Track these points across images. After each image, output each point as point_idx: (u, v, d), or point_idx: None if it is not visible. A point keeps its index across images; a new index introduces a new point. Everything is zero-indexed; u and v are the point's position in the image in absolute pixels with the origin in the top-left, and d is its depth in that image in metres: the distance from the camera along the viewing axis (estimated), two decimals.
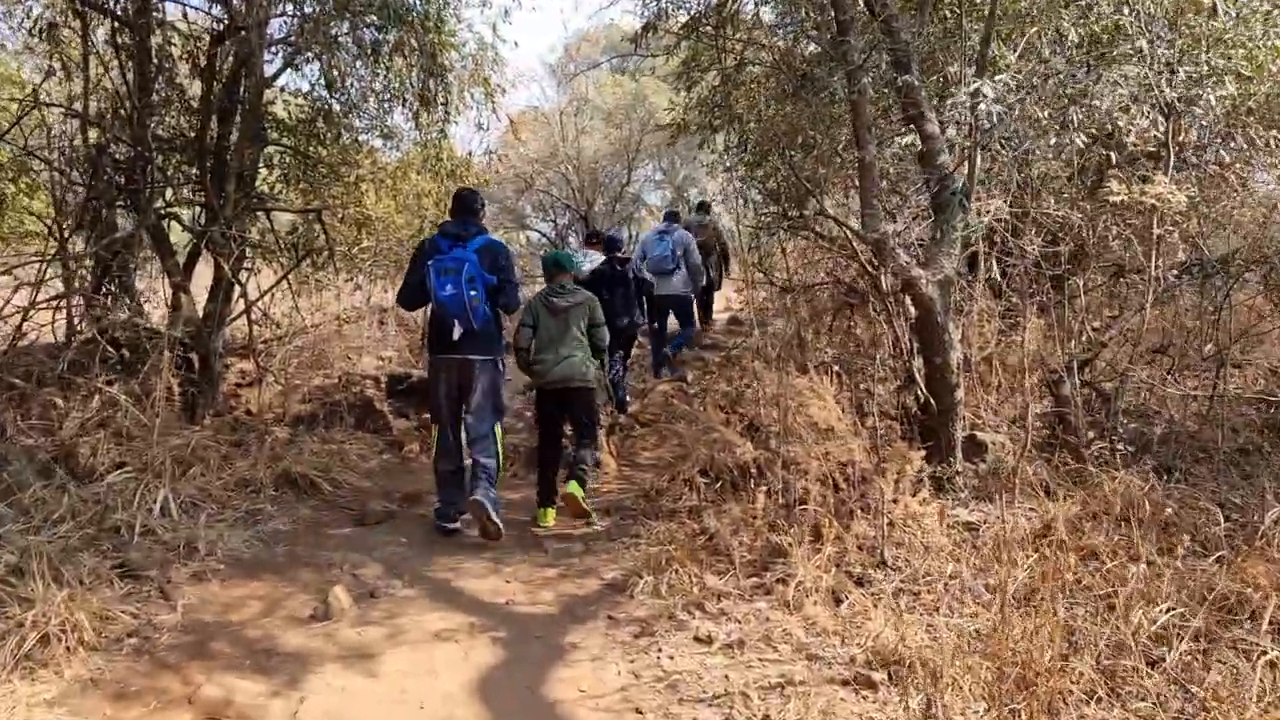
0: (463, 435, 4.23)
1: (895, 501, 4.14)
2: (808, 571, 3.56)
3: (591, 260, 6.76)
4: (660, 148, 15.35)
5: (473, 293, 3.93)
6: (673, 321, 8.17)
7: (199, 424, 5.01)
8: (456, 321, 3.97)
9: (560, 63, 11.76)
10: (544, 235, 12.18)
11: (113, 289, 5.36)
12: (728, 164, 7.04)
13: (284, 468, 4.64)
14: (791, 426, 4.48)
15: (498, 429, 4.28)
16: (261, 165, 6.68)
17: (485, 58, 7.27)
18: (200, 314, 5.68)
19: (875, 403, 4.85)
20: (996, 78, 3.34)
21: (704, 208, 9.64)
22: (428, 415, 5.90)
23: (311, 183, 7.01)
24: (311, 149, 6.79)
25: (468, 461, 4.24)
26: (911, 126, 4.54)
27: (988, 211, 3.74)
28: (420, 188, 7.64)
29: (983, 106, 3.81)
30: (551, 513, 4.54)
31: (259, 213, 6.48)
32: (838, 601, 3.49)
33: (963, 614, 3.28)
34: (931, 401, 4.55)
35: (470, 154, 7.61)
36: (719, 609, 3.36)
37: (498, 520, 3.99)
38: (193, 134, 5.42)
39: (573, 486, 4.47)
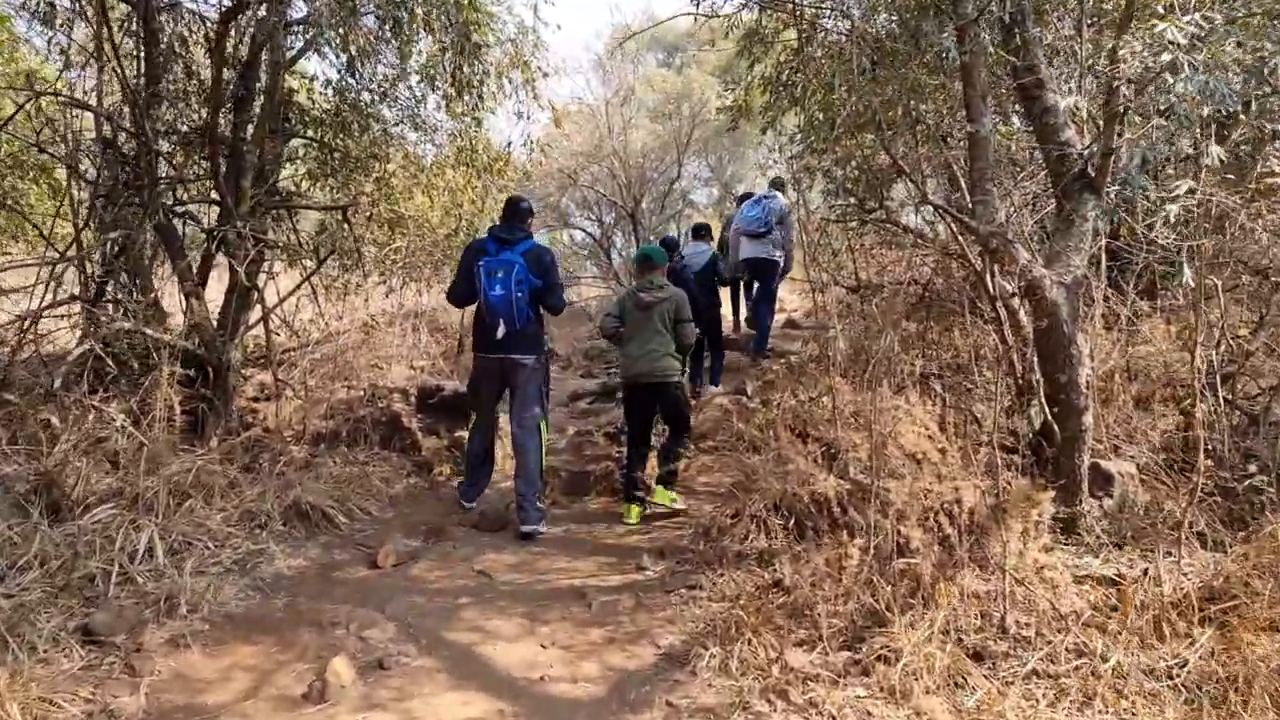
0: (498, 419, 4.62)
1: (1020, 554, 3.41)
2: (913, 645, 2.86)
3: (700, 253, 6.84)
4: (707, 143, 14.69)
5: (520, 294, 4.16)
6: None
7: (206, 445, 4.52)
8: (502, 321, 4.20)
9: (608, 48, 11.10)
10: (589, 234, 11.62)
11: (118, 295, 4.90)
12: (794, 150, 6.35)
13: (295, 498, 4.10)
14: (883, 455, 3.76)
15: (543, 429, 4.44)
16: (285, 160, 6.24)
17: (525, 41, 6.71)
18: (215, 322, 5.23)
19: (985, 427, 4.12)
20: (1182, 20, 2.58)
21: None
22: (460, 433, 5.38)
23: (340, 179, 6.55)
24: (338, 141, 6.32)
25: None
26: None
27: (1167, 195, 2.96)
28: (455, 183, 7.11)
29: (1133, 65, 3.06)
30: (637, 509, 4.51)
31: (280, 211, 6.03)
32: (956, 685, 2.79)
33: (1129, 711, 2.55)
34: (1054, 426, 3.79)
35: (509, 145, 7.04)
36: (806, 698, 2.69)
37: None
38: (202, 124, 4.93)
39: (659, 494, 4.57)
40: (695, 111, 11.12)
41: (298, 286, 5.50)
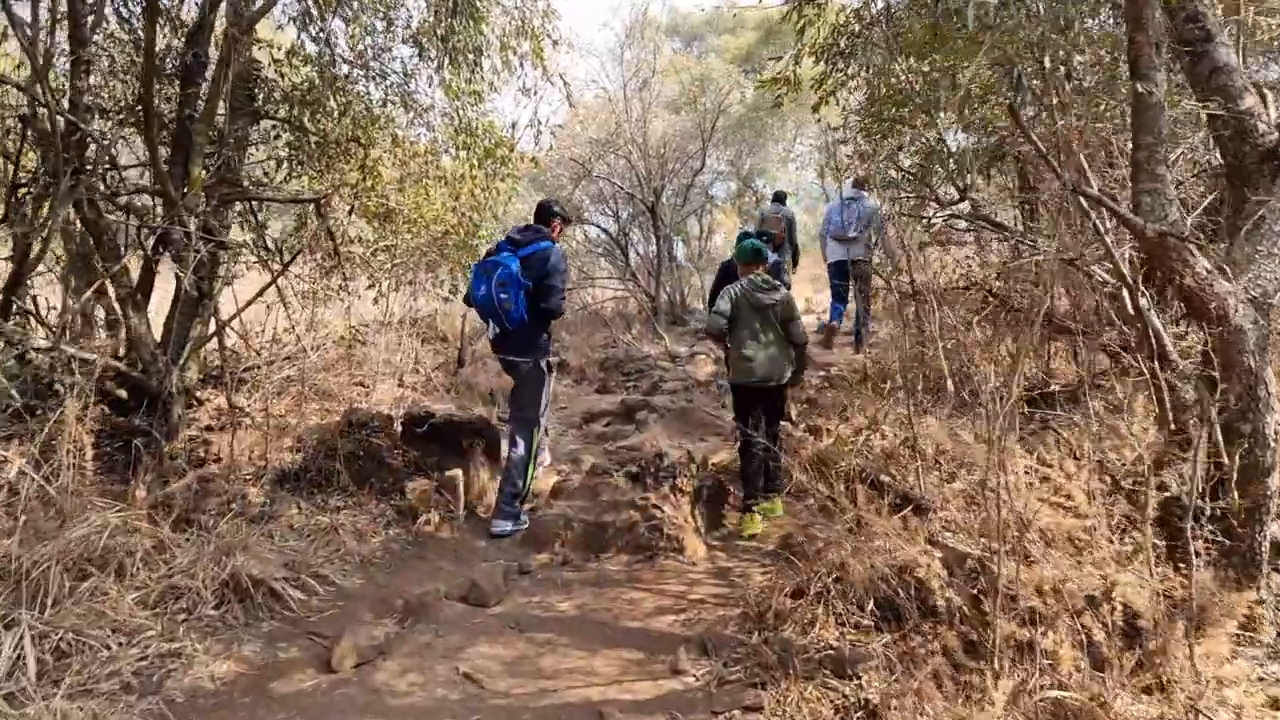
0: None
1: (1197, 672, 2.52)
2: None
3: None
4: (727, 135, 13.76)
5: (503, 295, 4.20)
6: None
7: (133, 494, 3.67)
8: (490, 322, 4.37)
9: (628, 26, 10.14)
10: (604, 231, 10.75)
11: (34, 305, 4.07)
12: (847, 134, 5.44)
13: (234, 569, 3.25)
14: (1004, 526, 2.85)
15: (535, 434, 4.45)
16: (252, 144, 5.39)
17: (534, 8, 5.84)
18: (159, 336, 4.39)
19: (1121, 482, 3.20)
20: None
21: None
22: (453, 470, 4.55)
23: (319, 167, 5.70)
24: (315, 123, 5.47)
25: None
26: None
27: None
28: (453, 172, 6.24)
29: None
30: (757, 520, 4.37)
31: (248, 205, 5.18)
32: None
33: None
34: (1231, 488, 2.87)
35: (513, 128, 6.16)
36: None
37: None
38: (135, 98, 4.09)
39: (777, 505, 4.50)
40: (718, 101, 10.19)
41: (258, 294, 4.64)
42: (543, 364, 4.48)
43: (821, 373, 7.82)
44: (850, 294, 8.13)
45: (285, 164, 5.58)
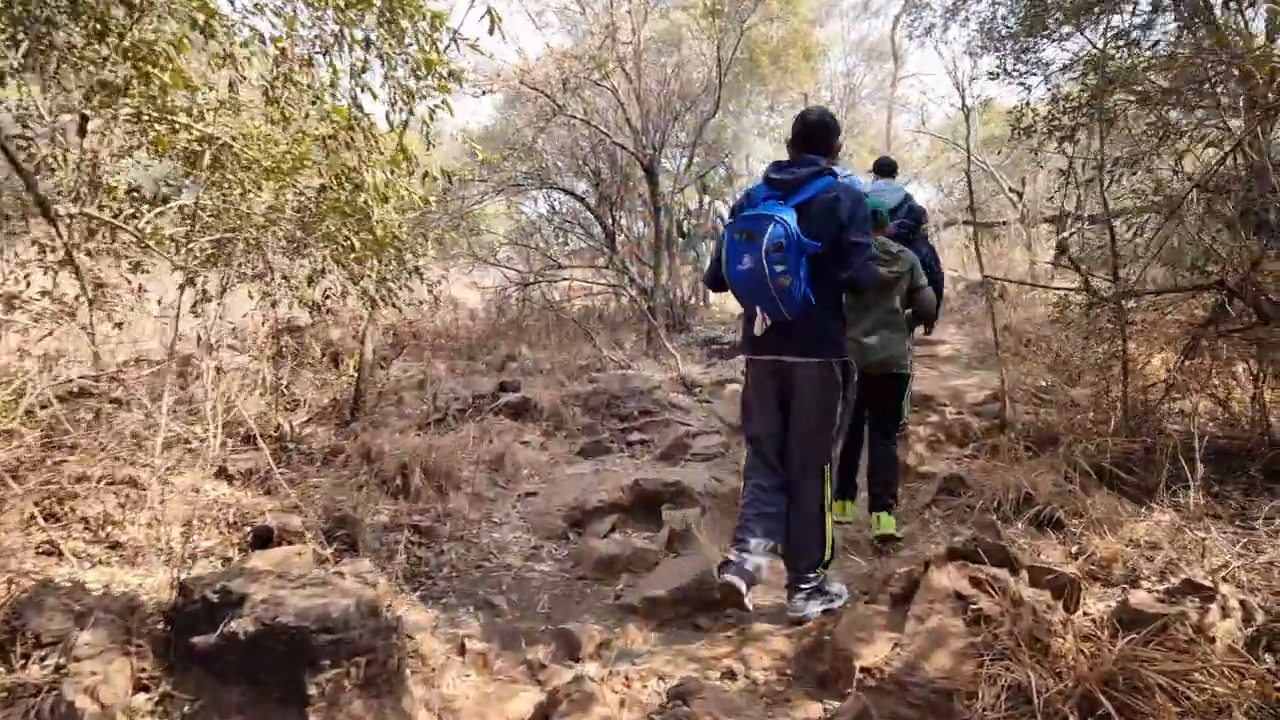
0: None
1: None
2: None
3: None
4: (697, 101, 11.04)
5: (779, 269, 2.83)
6: None
7: None
8: (760, 309, 2.96)
9: None
10: (580, 199, 7.88)
11: None
12: None
13: None
14: None
15: (827, 469, 3.06)
16: None
17: None
18: None
19: None
20: None
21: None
22: None
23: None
24: None
25: None
26: None
27: None
28: (320, 81, 3.45)
29: None
30: (852, 505, 3.96)
31: None
32: None
33: None
34: None
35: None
36: None
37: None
38: None
39: (886, 523, 3.72)
40: (741, 14, 7.41)
41: None
42: (837, 367, 3.06)
43: (933, 417, 5.20)
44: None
45: None
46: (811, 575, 3.01)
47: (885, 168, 5.01)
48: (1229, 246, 3.99)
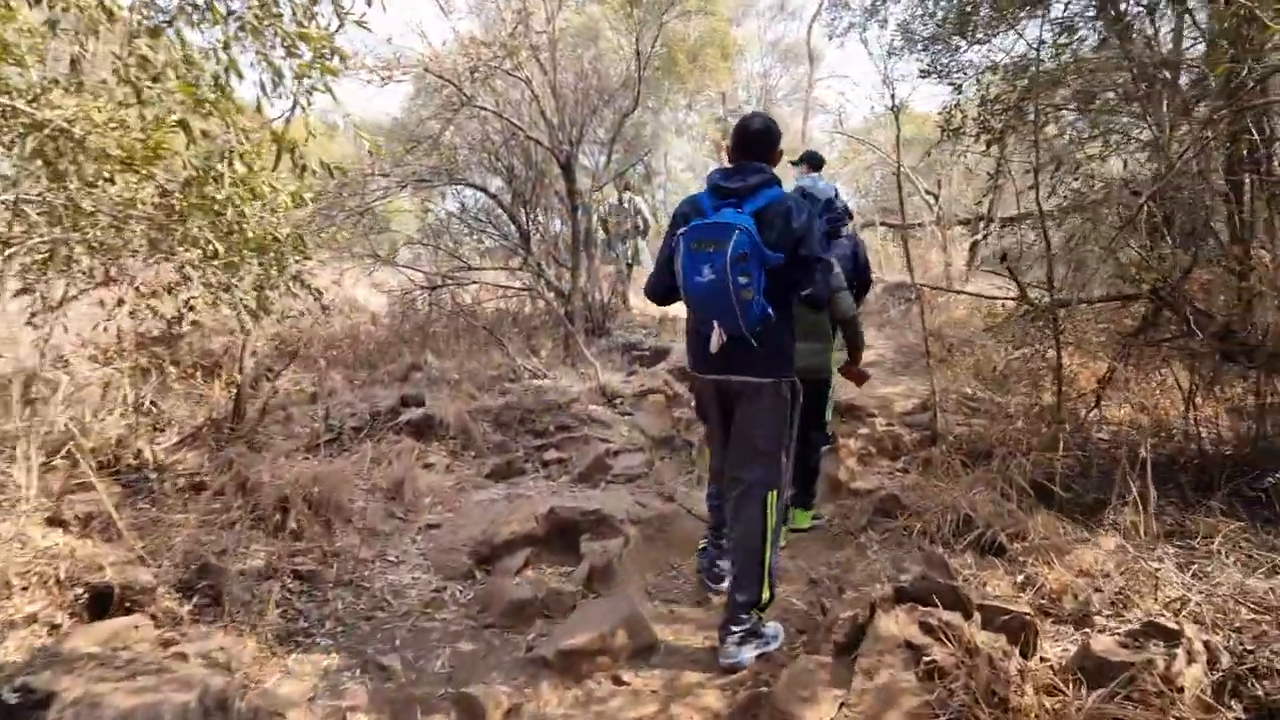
0: None
1: None
2: None
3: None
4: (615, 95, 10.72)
5: (742, 280, 2.64)
6: None
7: None
8: (717, 324, 2.73)
9: None
10: (492, 196, 7.38)
11: None
12: None
13: None
14: None
15: (770, 497, 2.80)
16: None
17: None
18: None
19: None
20: None
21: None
22: None
23: None
24: None
25: None
26: None
27: None
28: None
29: None
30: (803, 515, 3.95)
31: None
32: None
33: None
34: None
35: None
36: None
37: None
38: None
39: (800, 518, 3.90)
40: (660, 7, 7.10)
41: None
42: (786, 386, 2.87)
43: (863, 429, 5.02)
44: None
45: None
46: (745, 617, 2.80)
47: (815, 161, 4.79)
48: (1154, 255, 3.92)
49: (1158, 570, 2.69)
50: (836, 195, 4.55)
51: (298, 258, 3.78)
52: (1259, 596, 2.53)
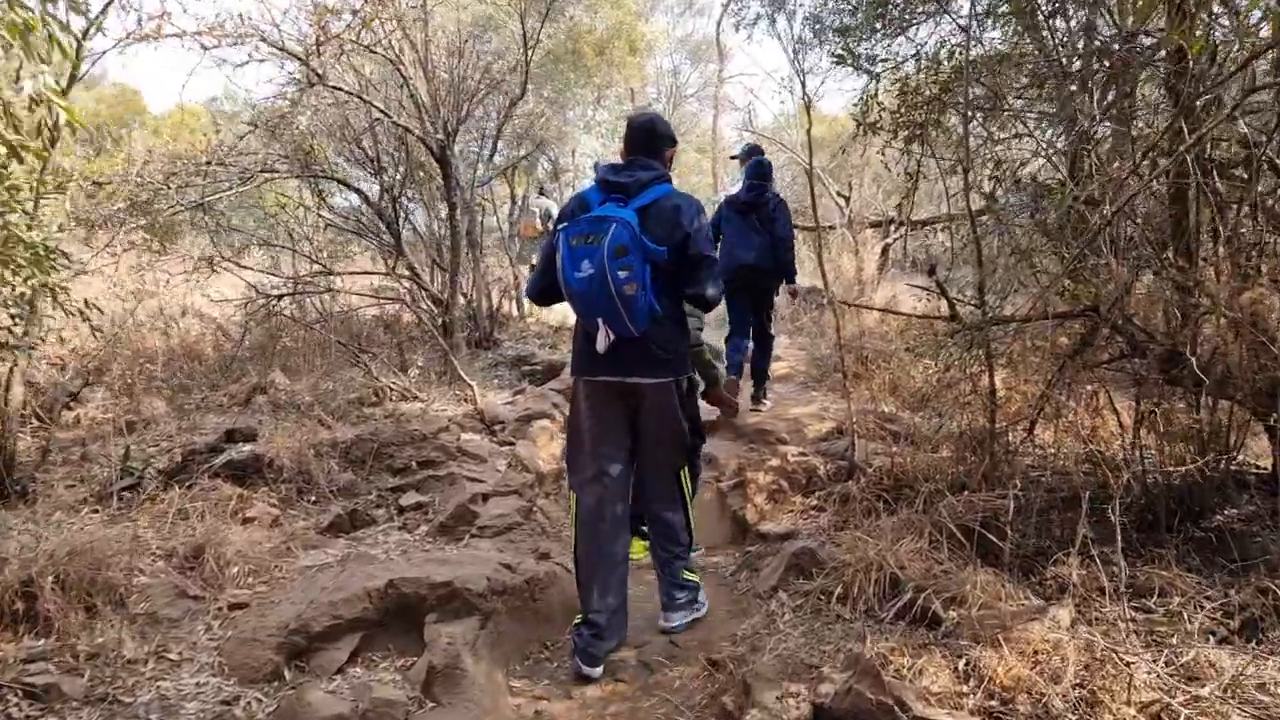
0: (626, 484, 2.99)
1: None
2: None
3: None
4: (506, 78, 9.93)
5: (622, 275, 2.61)
6: None
7: None
8: (601, 323, 2.69)
9: None
10: (356, 190, 6.48)
11: None
12: None
13: None
14: None
15: (683, 475, 3.03)
16: None
17: None
18: None
19: None
20: None
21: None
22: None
23: None
24: None
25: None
26: None
27: None
28: None
29: None
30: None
31: None
32: None
33: None
34: None
35: None
36: None
37: None
38: None
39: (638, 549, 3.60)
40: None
41: None
42: (683, 384, 2.95)
43: (772, 460, 4.47)
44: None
45: None
46: (689, 577, 3.07)
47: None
48: (1090, 267, 3.51)
49: (1130, 664, 2.19)
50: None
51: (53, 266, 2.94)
52: (1249, 694, 2.07)
